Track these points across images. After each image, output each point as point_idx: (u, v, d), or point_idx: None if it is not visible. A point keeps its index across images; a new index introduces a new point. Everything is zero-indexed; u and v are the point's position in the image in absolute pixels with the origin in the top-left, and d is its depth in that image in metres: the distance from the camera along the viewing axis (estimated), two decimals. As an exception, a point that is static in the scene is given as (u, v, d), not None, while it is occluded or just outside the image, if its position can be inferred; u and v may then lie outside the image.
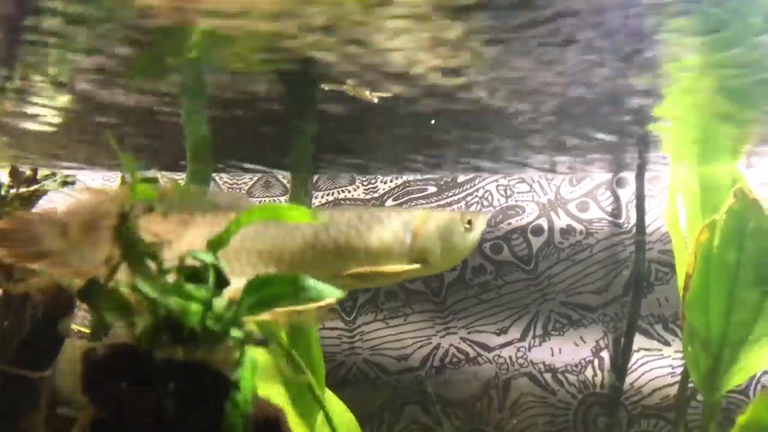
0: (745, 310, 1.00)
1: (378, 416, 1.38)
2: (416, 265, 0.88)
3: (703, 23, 0.65)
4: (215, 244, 0.56)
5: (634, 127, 1.04)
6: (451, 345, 1.39)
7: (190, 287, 0.51)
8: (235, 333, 0.53)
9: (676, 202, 1.06)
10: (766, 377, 1.28)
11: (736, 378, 1.00)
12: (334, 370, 1.40)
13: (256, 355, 1.01)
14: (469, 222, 0.89)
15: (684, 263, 1.01)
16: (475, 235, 0.90)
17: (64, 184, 0.78)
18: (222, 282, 0.55)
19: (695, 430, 1.14)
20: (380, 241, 0.88)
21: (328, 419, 0.95)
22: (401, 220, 0.90)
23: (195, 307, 0.51)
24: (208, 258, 0.54)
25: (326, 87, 0.74)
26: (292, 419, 0.99)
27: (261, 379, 1.00)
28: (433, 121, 0.92)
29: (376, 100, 0.73)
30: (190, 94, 0.98)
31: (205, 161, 1.08)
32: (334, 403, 1.06)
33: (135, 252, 0.55)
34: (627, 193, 1.34)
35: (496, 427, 1.34)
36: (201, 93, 0.97)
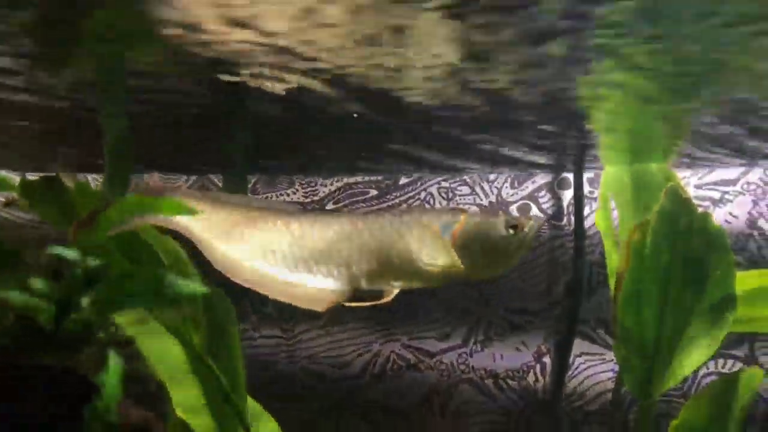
0: (678, 312, 0.98)
1: (316, 426, 1.33)
2: (457, 264, 0.87)
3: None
4: (83, 241, 0.52)
5: (572, 126, 1.02)
6: (392, 352, 1.35)
7: (39, 284, 0.46)
8: (99, 334, 0.49)
9: (608, 203, 1.04)
10: (708, 379, 1.27)
11: (670, 381, 0.98)
12: (272, 380, 1.36)
13: (178, 363, 0.96)
14: (514, 226, 0.87)
15: (615, 264, 0.99)
16: (522, 240, 0.87)
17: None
18: (90, 280, 0.51)
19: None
20: (420, 242, 0.88)
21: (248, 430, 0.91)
22: (442, 222, 0.90)
23: (45, 305, 0.46)
24: (72, 254, 0.50)
25: (225, 78, 0.70)
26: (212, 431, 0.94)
27: (179, 388, 0.95)
28: (355, 115, 0.89)
29: (283, 92, 0.70)
30: (108, 89, 0.93)
31: (125, 161, 1.03)
32: (259, 414, 1.01)
33: (-7, 250, 0.51)
34: (569, 195, 1.32)
35: (438, 435, 1.31)
36: (120, 88, 0.93)
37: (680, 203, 0.97)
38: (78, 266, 0.50)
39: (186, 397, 0.91)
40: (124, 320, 0.87)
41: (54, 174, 0.81)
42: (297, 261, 0.90)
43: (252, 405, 1.01)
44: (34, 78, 0.84)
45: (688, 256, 0.97)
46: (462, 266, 0.88)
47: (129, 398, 0.50)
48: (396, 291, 0.93)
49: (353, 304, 0.88)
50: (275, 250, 0.90)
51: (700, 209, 0.97)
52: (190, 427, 0.90)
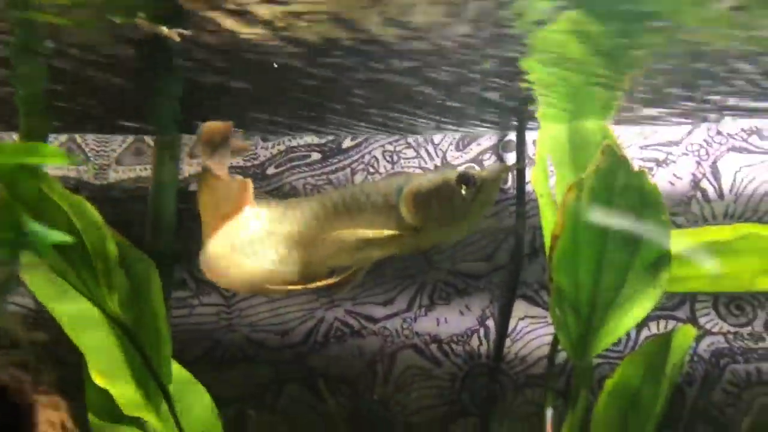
0: (614, 271, 0.96)
1: (258, 395, 1.31)
2: (395, 231, 0.83)
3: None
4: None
5: (512, 83, 1.00)
6: (335, 318, 1.33)
7: None
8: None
9: (545, 161, 1.01)
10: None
11: (605, 341, 0.97)
12: (212, 350, 1.32)
13: (94, 327, 0.92)
14: (468, 181, 0.82)
15: (551, 224, 0.97)
16: (480, 197, 0.81)
17: None
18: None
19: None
20: (372, 206, 0.84)
21: (168, 399, 0.87)
22: (396, 183, 0.85)
23: None
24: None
25: (117, 20, 0.66)
26: (137, 399, 0.90)
27: (95, 354, 0.91)
28: (275, 65, 0.85)
29: (177, 38, 0.65)
30: (21, 40, 0.88)
31: (42, 118, 0.98)
32: (186, 381, 0.98)
33: None
34: (513, 158, 1.30)
35: (382, 401, 1.29)
36: (35, 39, 0.87)
37: (616, 161, 0.95)
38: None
39: (104, 362, 0.88)
40: (32, 280, 0.83)
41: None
42: (263, 248, 0.87)
43: (180, 372, 0.98)
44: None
45: (624, 215, 0.95)
46: (417, 230, 0.85)
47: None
48: (360, 268, 0.90)
49: (320, 284, 0.86)
50: (247, 237, 0.87)
51: (641, 168, 0.95)
52: (110, 394, 0.87)
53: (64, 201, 0.81)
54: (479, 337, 1.29)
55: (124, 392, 0.87)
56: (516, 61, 0.89)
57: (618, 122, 1.12)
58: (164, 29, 0.64)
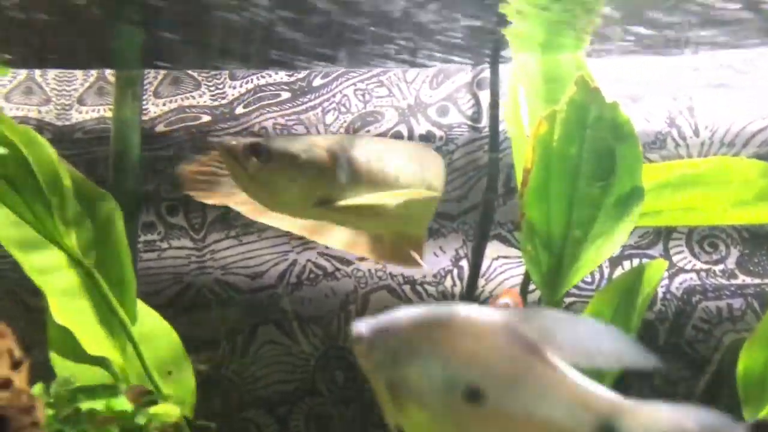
0: (586, 206, 0.95)
1: (231, 337, 1.30)
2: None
3: None
4: None
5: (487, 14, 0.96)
6: (308, 260, 1.31)
7: None
8: None
9: (518, 94, 0.99)
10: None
11: (576, 277, 0.96)
12: (183, 292, 1.31)
13: (58, 270, 0.89)
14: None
15: (523, 158, 0.95)
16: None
17: None
18: None
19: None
20: None
21: (131, 340, 0.85)
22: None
23: None
24: None
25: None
26: (101, 339, 0.89)
27: (68, 298, 0.89)
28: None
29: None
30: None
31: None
32: (154, 322, 0.96)
33: None
34: (488, 96, 1.27)
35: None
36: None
37: (589, 93, 0.92)
38: None
39: (66, 303, 0.86)
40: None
41: None
42: None
43: (147, 313, 0.96)
44: None
45: (596, 149, 0.94)
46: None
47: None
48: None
49: None
50: None
51: (614, 101, 0.93)
52: (72, 333, 0.85)
53: (14, 134, 0.78)
54: (453, 278, 1.28)
55: (87, 331, 0.85)
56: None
57: (592, 54, 1.09)
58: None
